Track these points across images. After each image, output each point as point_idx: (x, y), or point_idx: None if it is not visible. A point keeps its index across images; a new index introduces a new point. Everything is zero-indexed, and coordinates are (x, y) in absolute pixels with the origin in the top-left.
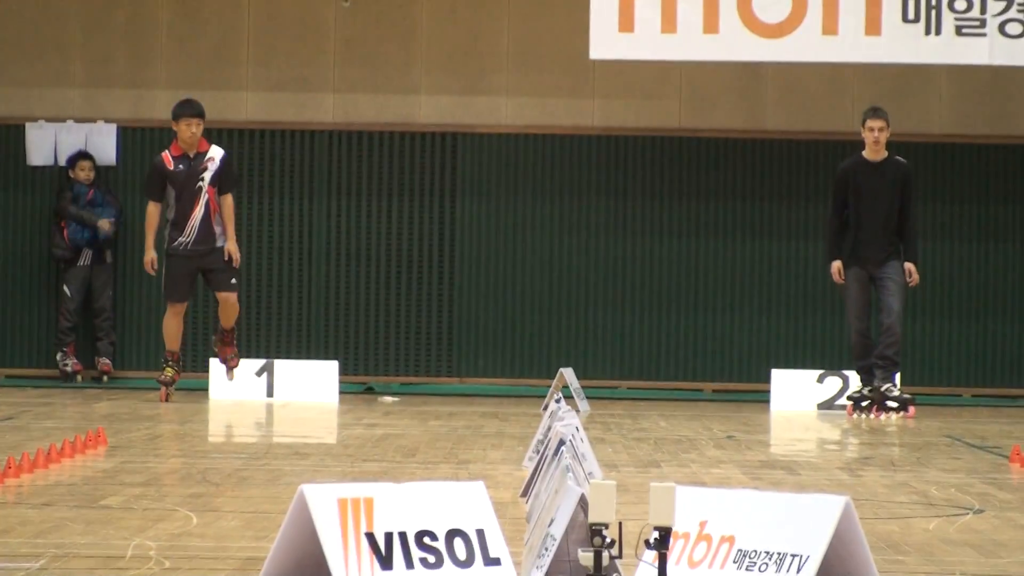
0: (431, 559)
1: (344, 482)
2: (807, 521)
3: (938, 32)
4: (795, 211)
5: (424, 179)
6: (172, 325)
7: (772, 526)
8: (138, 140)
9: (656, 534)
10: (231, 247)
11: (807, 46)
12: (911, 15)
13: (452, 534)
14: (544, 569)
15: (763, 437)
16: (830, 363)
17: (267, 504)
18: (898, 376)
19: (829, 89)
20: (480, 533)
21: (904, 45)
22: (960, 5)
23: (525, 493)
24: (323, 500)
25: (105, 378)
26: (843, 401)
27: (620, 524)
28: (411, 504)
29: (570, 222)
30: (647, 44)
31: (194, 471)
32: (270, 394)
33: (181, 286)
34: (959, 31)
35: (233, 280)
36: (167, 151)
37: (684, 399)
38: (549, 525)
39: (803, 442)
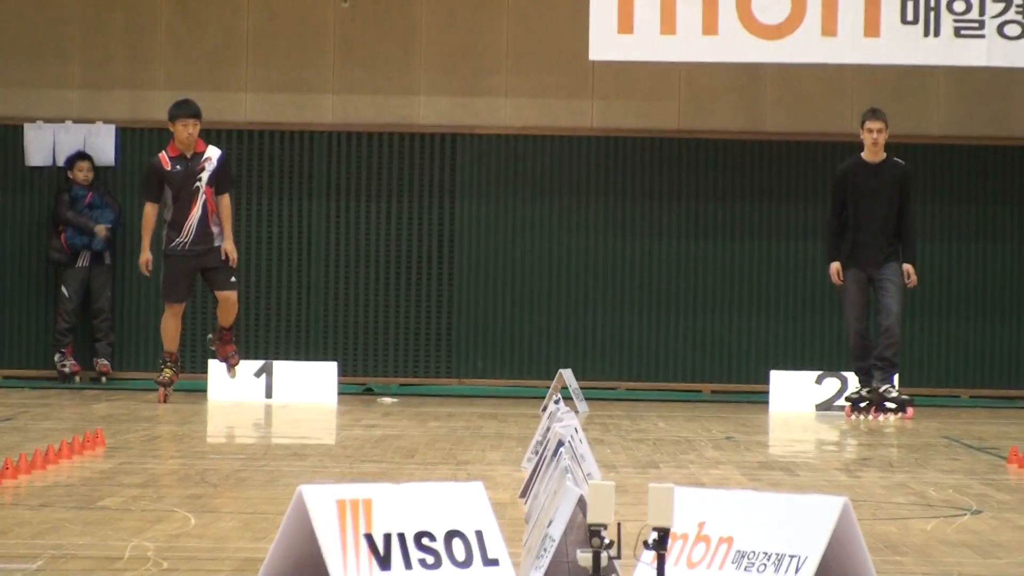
0: (430, 560)
1: (343, 483)
2: (805, 522)
3: (937, 33)
4: (794, 212)
5: (423, 180)
6: (170, 326)
7: (771, 527)
8: (137, 141)
9: (655, 535)
10: (228, 247)
11: (806, 47)
12: (910, 16)
13: (451, 535)
14: (543, 570)
15: (762, 438)
16: (829, 364)
17: (265, 505)
18: (896, 377)
19: (828, 90)
20: (479, 534)
21: (903, 46)
22: (959, 6)
23: (524, 494)
24: (322, 501)
25: (103, 379)
26: (841, 402)
27: (619, 525)
28: (410, 505)
29: (569, 223)
30: (646, 45)
31: (192, 472)
32: (269, 395)
33: (179, 287)
34: (958, 32)
35: (232, 279)
36: (164, 152)
37: (683, 400)
38: (548, 526)
39: (801, 443)
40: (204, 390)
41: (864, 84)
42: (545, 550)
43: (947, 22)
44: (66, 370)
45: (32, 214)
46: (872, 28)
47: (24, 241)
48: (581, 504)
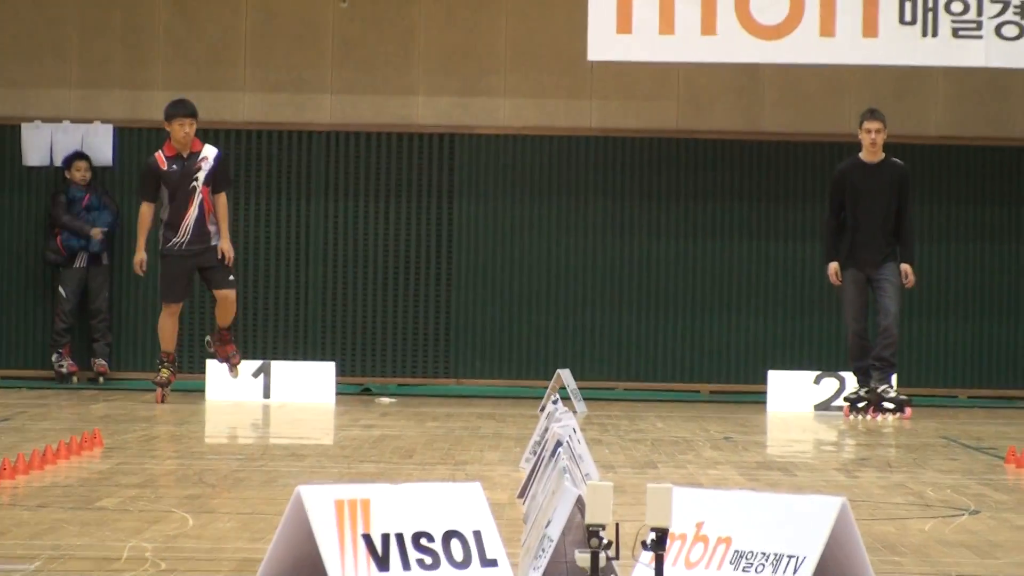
0: (428, 560)
1: (341, 483)
2: (804, 522)
3: (935, 34)
4: (792, 212)
5: (422, 180)
6: (167, 326)
7: (769, 527)
8: (134, 141)
9: (653, 535)
10: (224, 245)
11: (805, 48)
12: (908, 17)
13: (449, 535)
14: (541, 570)
15: (760, 438)
16: (827, 364)
17: (264, 505)
18: (894, 377)
19: (826, 91)
20: (477, 534)
21: (901, 47)
22: (957, 7)
23: (522, 494)
24: (320, 501)
25: (101, 379)
26: (840, 402)
27: (617, 525)
28: (408, 505)
29: (568, 223)
30: (645, 46)
31: (190, 472)
32: (267, 395)
33: (177, 286)
34: (956, 33)
35: (231, 277)
36: (160, 152)
37: (681, 400)
38: (546, 526)
39: (800, 443)
40: (202, 390)
41: (862, 84)
42: (543, 550)
43: (945, 23)
44: (64, 370)
45: (29, 214)
46: (870, 28)
47: (21, 241)
48: (579, 504)
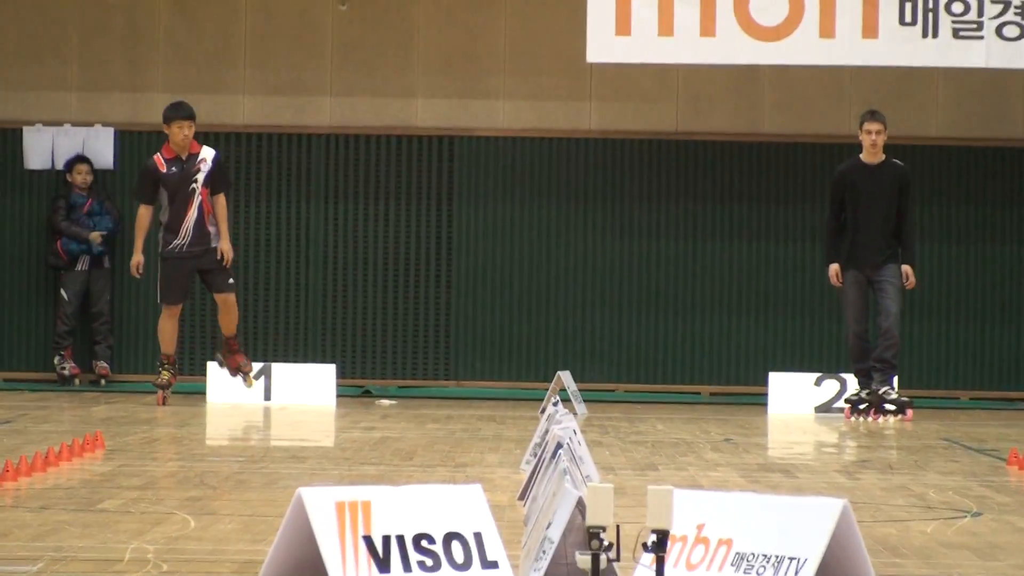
0: (429, 562)
1: (342, 485)
2: (805, 524)
3: (935, 35)
4: (792, 214)
5: (421, 182)
6: (167, 328)
7: (770, 529)
8: (135, 144)
9: (654, 537)
10: (224, 246)
11: (804, 49)
12: (908, 18)
13: (450, 537)
14: (542, 572)
15: (760, 440)
16: (827, 366)
17: (265, 507)
18: (896, 379)
19: (826, 92)
20: (478, 536)
21: (901, 48)
22: (957, 8)
23: (523, 496)
24: (321, 503)
25: (102, 382)
26: (841, 404)
27: (618, 527)
28: (409, 507)
29: (567, 225)
30: (644, 47)
31: (192, 474)
32: (267, 397)
33: (176, 288)
34: (956, 34)
35: (230, 280)
36: (158, 154)
37: (681, 402)
38: (547, 528)
39: (800, 445)
40: (203, 392)
41: (862, 86)
42: (544, 552)
43: (945, 23)
44: (65, 373)
45: (31, 217)
46: (870, 29)
47: (23, 244)
48: (580, 506)
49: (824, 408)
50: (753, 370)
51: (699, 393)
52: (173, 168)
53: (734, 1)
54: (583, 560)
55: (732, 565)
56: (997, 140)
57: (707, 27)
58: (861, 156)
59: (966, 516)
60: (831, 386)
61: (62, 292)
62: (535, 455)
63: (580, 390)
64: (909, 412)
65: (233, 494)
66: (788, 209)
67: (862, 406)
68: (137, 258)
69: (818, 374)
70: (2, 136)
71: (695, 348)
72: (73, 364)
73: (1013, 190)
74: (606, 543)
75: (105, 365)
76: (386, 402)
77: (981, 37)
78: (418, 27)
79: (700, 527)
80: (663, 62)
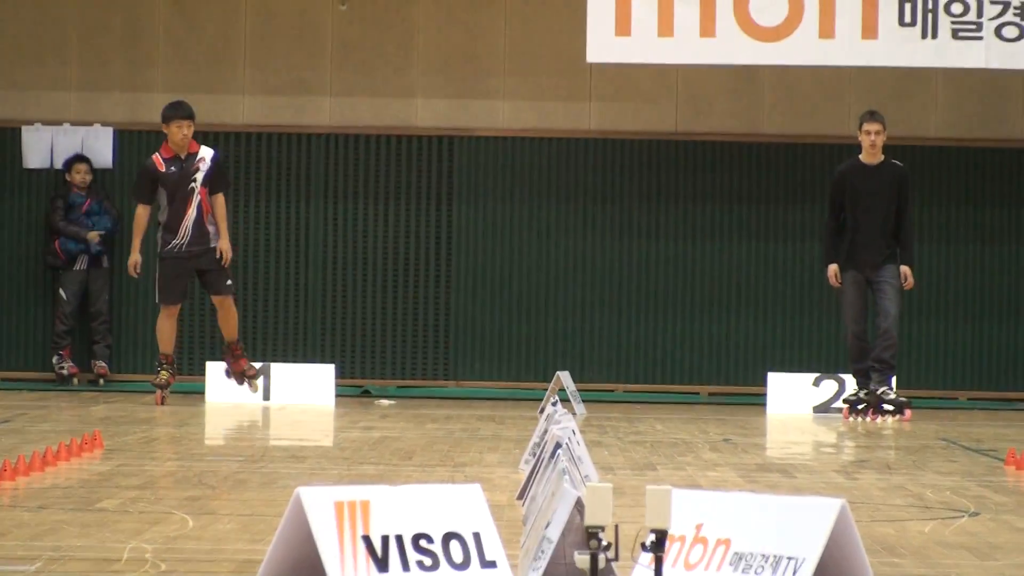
0: (427, 562)
1: (340, 485)
2: (803, 524)
3: (934, 36)
4: (792, 214)
5: (421, 182)
6: (166, 328)
7: (768, 529)
8: (135, 143)
9: (652, 537)
10: (223, 245)
11: (804, 49)
12: (907, 18)
13: (448, 537)
14: (540, 572)
15: (759, 440)
16: (826, 366)
17: (263, 507)
18: (894, 379)
19: (826, 92)
20: (476, 536)
21: (900, 49)
22: (956, 8)
23: (521, 496)
24: (319, 503)
25: (101, 381)
26: (839, 404)
27: (616, 527)
28: (407, 507)
29: (567, 225)
30: (644, 48)
31: (190, 474)
32: (267, 397)
33: (175, 288)
34: (955, 35)
35: (228, 282)
36: (157, 154)
37: (680, 402)
38: (545, 528)
39: (799, 445)
40: (202, 392)
41: (862, 86)
42: (543, 552)
43: (945, 24)
44: (64, 372)
45: (29, 217)
46: (870, 30)
47: (22, 244)
48: (579, 506)
49: (823, 408)
50: (752, 370)
51: (698, 393)
52: (172, 167)
53: (734, 2)
54: (582, 560)
55: (730, 565)
56: (996, 141)
57: (707, 27)
58: (860, 156)
59: (964, 516)
60: (830, 386)
61: (61, 292)
62: (534, 455)
63: (579, 390)
64: (907, 412)
65: (232, 494)
66: (787, 209)
67: (860, 406)
68: (134, 258)
69: (817, 374)
70: (1, 135)
71: (694, 348)
72: (72, 364)
73: (1012, 190)
74: (605, 543)
75: (104, 365)
76: (385, 402)
77: (980, 38)
78: (418, 27)
79: (699, 527)
80: (663, 62)
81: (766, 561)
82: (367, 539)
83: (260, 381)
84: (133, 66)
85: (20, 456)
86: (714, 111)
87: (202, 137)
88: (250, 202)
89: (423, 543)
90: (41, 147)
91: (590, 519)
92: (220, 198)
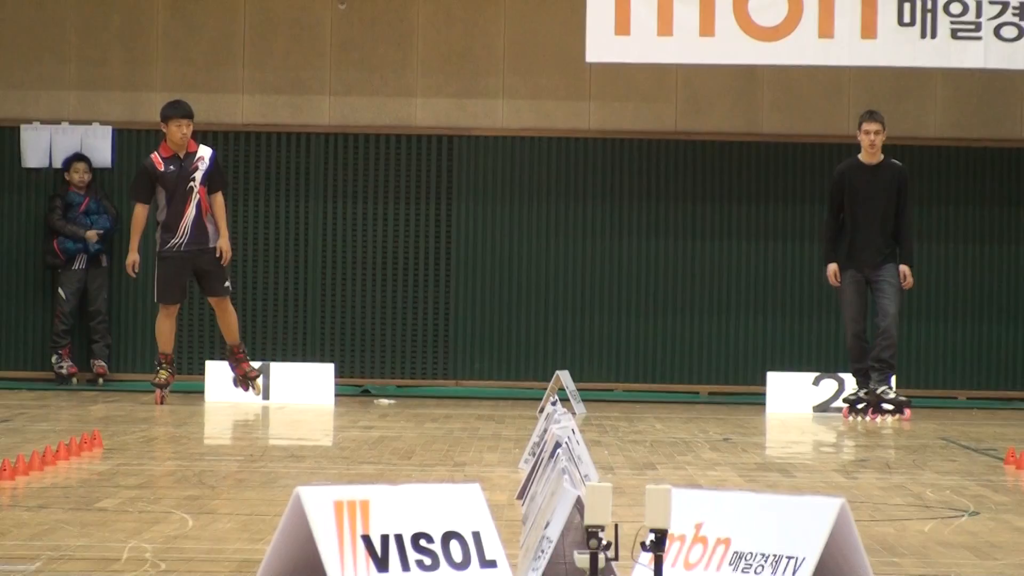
0: (427, 561)
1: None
2: (803, 523)
3: (933, 35)
4: (791, 214)
5: (420, 182)
6: (165, 327)
7: (768, 528)
8: (133, 142)
9: (652, 536)
10: (223, 244)
11: (803, 49)
12: (907, 18)
13: (448, 536)
14: (540, 571)
15: (759, 439)
16: (826, 366)
17: (263, 506)
18: (894, 379)
19: (825, 92)
20: (476, 535)
21: (900, 48)
22: (956, 8)
23: (521, 495)
24: (319, 502)
25: (100, 381)
26: (839, 403)
27: (616, 526)
28: (407, 506)
29: (566, 225)
30: (643, 47)
31: (190, 474)
32: (266, 396)
33: (174, 288)
34: (954, 35)
35: (226, 284)
36: (156, 153)
37: (680, 401)
38: (545, 527)
39: (799, 444)
40: (201, 391)
41: (861, 86)
42: (542, 551)
43: (944, 24)
44: (63, 372)
45: (28, 216)
46: (869, 30)
47: (21, 243)
48: (578, 505)
49: (822, 408)
50: (751, 369)
51: (697, 392)
52: (171, 166)
53: (733, 1)
54: (581, 559)
55: (730, 564)
56: (995, 140)
57: (706, 27)
58: (860, 156)
59: (963, 515)
60: (829, 386)
61: (60, 291)
62: (533, 454)
63: (579, 389)
64: (907, 412)
65: (231, 493)
66: (786, 209)
67: (860, 406)
68: (132, 257)
69: (816, 373)
70: (0, 134)
71: (693, 347)
72: (71, 363)
73: (1011, 190)
74: (604, 542)
75: (103, 364)
76: (385, 401)
77: (979, 38)
78: (417, 26)
79: (698, 526)
80: (662, 62)
81: (766, 560)
82: (367, 538)
83: (259, 380)
84: (132, 65)
85: (19, 455)
86: (713, 111)
87: (201, 136)
88: (249, 202)
89: (423, 542)
90: (40, 146)
91: (590, 518)
92: (219, 197)
